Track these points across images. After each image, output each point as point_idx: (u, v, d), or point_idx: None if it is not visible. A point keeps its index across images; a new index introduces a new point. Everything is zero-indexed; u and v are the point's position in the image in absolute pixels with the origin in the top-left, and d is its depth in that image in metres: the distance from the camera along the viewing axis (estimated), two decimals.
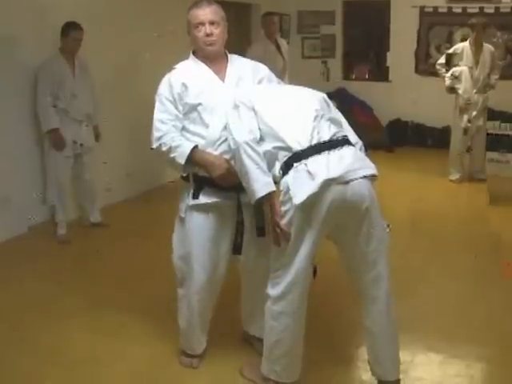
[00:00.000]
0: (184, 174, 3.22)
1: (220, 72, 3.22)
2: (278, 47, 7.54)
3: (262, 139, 2.93)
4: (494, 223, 6.25)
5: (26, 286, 4.56)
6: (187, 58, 3.31)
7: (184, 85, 3.14)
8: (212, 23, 3.14)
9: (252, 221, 3.21)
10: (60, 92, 5.50)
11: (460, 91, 7.66)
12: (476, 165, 7.92)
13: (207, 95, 3.14)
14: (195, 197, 3.18)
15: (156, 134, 3.16)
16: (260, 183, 2.86)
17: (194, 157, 3.09)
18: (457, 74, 7.66)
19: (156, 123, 3.17)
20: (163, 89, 3.19)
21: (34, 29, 5.60)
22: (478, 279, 4.76)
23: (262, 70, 3.37)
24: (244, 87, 3.16)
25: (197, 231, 3.22)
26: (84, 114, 5.72)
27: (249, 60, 3.42)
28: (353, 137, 3.10)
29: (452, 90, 7.74)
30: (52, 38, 5.61)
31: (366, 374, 3.28)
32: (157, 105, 3.21)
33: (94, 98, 5.84)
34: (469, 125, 7.65)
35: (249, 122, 2.93)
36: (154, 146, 3.17)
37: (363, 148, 3.12)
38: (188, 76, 3.18)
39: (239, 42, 9.08)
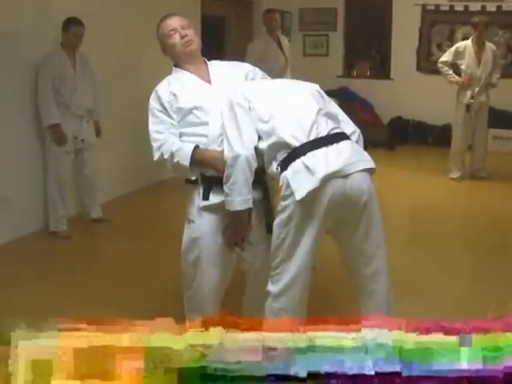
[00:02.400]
0: (193, 178, 3.16)
1: (204, 76, 3.24)
2: (280, 44, 7.54)
3: (259, 138, 2.92)
4: (495, 222, 6.25)
5: (25, 286, 4.55)
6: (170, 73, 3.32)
7: (172, 93, 3.14)
8: (183, 28, 3.21)
9: (260, 218, 3.18)
10: (61, 87, 5.51)
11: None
12: (477, 163, 7.93)
13: (199, 98, 3.13)
14: (205, 197, 3.14)
15: (155, 145, 3.14)
16: (241, 197, 2.91)
17: (197, 156, 3.07)
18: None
19: (153, 135, 3.17)
20: (153, 102, 3.20)
21: (35, 24, 5.60)
22: (478, 276, 4.77)
23: (245, 66, 3.40)
24: (235, 85, 3.13)
25: (208, 233, 3.17)
26: (85, 109, 5.72)
27: (227, 61, 3.49)
28: (350, 126, 3.10)
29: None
30: (53, 34, 5.61)
31: None
32: (150, 119, 3.21)
33: (94, 94, 5.85)
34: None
35: (247, 129, 2.91)
36: (156, 156, 3.15)
37: (361, 136, 3.12)
38: (175, 85, 3.18)
39: (241, 38, 9.09)
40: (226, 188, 2.94)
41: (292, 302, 2.92)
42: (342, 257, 3.04)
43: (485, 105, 7.75)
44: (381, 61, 10.90)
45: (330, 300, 4.16)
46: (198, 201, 3.15)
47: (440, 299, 4.34)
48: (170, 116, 3.15)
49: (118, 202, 6.69)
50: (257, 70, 3.39)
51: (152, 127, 3.18)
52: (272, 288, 2.94)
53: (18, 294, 4.40)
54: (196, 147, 3.08)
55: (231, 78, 3.24)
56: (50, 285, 4.58)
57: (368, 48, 11.00)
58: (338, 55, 10.94)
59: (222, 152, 3.01)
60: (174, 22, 3.24)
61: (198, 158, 3.07)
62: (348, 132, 3.01)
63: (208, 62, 3.33)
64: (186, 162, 3.06)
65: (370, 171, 2.91)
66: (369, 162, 2.91)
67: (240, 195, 2.91)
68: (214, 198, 3.12)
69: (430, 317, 4.00)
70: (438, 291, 4.47)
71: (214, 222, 3.16)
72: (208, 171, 3.10)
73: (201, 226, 3.17)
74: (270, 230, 3.10)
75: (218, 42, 9.38)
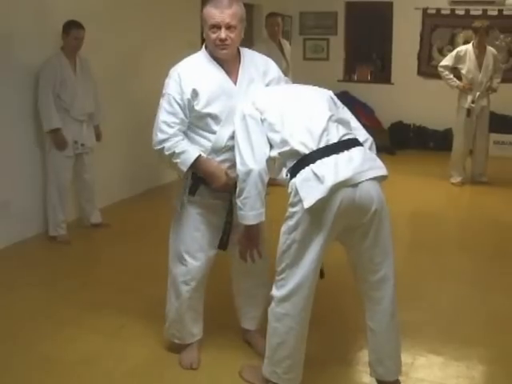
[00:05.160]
0: (185, 178, 3.21)
1: (232, 73, 3.13)
2: (281, 48, 7.53)
3: (271, 146, 2.91)
4: (495, 226, 6.22)
5: (25, 291, 4.52)
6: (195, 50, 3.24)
7: (195, 91, 3.04)
8: (228, 27, 2.98)
9: None
10: (61, 91, 5.47)
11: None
12: (478, 168, 7.92)
13: (218, 104, 3.07)
14: (191, 193, 3.20)
15: (160, 136, 3.07)
16: (255, 212, 2.92)
17: (196, 166, 3.08)
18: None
19: (161, 125, 3.07)
20: (173, 89, 3.07)
21: (35, 28, 5.58)
22: (479, 281, 4.75)
23: (273, 70, 3.29)
24: (251, 93, 3.09)
25: (190, 223, 3.26)
26: (85, 113, 5.69)
27: (261, 57, 3.32)
28: (362, 134, 3.07)
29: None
30: (53, 38, 5.59)
31: (366, 377, 3.26)
32: (164, 105, 3.10)
33: (95, 98, 5.82)
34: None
35: (259, 142, 2.90)
36: (157, 147, 3.10)
37: (373, 144, 3.10)
38: (199, 79, 3.07)
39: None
40: (239, 202, 2.95)
41: (296, 308, 2.90)
42: (350, 263, 3.03)
43: (486, 109, 7.74)
44: (381, 65, 10.89)
45: (332, 306, 4.14)
46: (185, 195, 3.23)
47: (440, 304, 4.33)
48: (184, 113, 3.08)
49: (118, 207, 6.67)
50: (282, 76, 3.33)
51: (163, 116, 3.09)
52: (276, 293, 2.93)
53: (17, 299, 4.37)
54: (199, 156, 3.07)
55: (256, 82, 3.17)
56: (49, 289, 4.56)
57: (369, 52, 10.99)
58: (339, 59, 10.93)
59: (220, 168, 3.06)
60: (220, 18, 2.96)
61: (196, 167, 3.09)
62: (361, 140, 2.98)
63: (242, 53, 3.19)
64: (184, 168, 3.08)
65: (381, 178, 2.89)
66: (380, 170, 2.87)
67: (253, 210, 2.92)
68: (199, 197, 3.20)
69: (429, 322, 4.00)
70: (438, 296, 4.46)
71: (196, 214, 3.25)
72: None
73: (185, 215, 3.26)
74: None
75: None
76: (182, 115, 3.08)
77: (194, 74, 3.09)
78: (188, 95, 3.05)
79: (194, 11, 7.87)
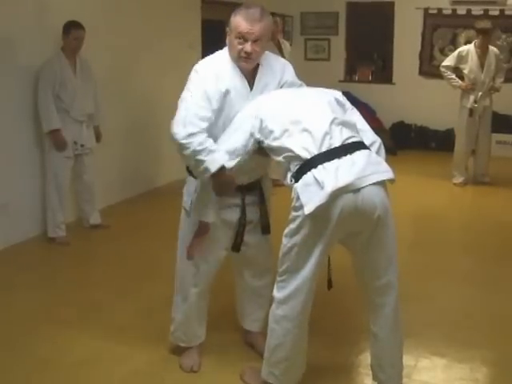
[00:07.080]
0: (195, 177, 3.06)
1: (250, 76, 3.07)
2: (280, 49, 7.49)
3: (273, 153, 2.88)
4: (498, 227, 6.20)
5: (25, 292, 4.50)
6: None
7: (228, 91, 2.95)
8: (254, 39, 2.91)
9: (255, 219, 3.24)
10: (61, 92, 5.45)
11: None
12: (480, 168, 7.89)
13: (232, 105, 3.00)
14: None
15: (190, 129, 2.86)
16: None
17: (219, 171, 2.89)
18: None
19: (192, 118, 2.88)
20: (209, 85, 2.94)
21: (34, 29, 5.56)
22: (482, 283, 4.72)
23: (288, 74, 3.19)
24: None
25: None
26: (85, 114, 5.67)
27: (278, 61, 3.23)
28: (370, 136, 3.01)
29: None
30: (53, 39, 5.57)
31: (367, 379, 3.24)
32: (196, 98, 2.92)
33: (95, 98, 5.80)
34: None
35: (235, 141, 2.91)
36: (183, 141, 2.86)
37: (382, 147, 3.03)
38: (229, 80, 2.99)
39: None
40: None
41: (294, 311, 2.88)
42: (354, 267, 3.00)
43: (488, 109, 7.72)
44: (383, 65, 10.87)
45: (333, 309, 4.11)
46: (195, 194, 3.14)
47: (443, 306, 4.30)
48: (213, 111, 2.94)
49: (117, 208, 6.65)
50: (296, 82, 3.23)
51: (194, 109, 2.90)
52: (277, 294, 2.93)
53: (16, 300, 4.36)
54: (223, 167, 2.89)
55: (271, 86, 3.11)
56: (48, 290, 4.54)
57: (370, 52, 10.96)
58: (340, 59, 10.91)
59: (233, 177, 2.95)
60: (250, 31, 2.90)
61: (219, 173, 2.89)
62: (367, 142, 2.92)
63: (260, 59, 3.10)
64: (213, 168, 2.85)
65: (385, 183, 2.83)
66: (384, 174, 2.80)
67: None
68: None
69: (432, 323, 3.97)
70: (441, 298, 4.43)
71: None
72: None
73: (193, 218, 3.18)
74: (265, 231, 3.24)
75: (218, 46, 9.35)
76: (211, 113, 2.94)
77: (225, 75, 3.01)
78: (221, 94, 2.95)
79: (194, 12, 7.86)
